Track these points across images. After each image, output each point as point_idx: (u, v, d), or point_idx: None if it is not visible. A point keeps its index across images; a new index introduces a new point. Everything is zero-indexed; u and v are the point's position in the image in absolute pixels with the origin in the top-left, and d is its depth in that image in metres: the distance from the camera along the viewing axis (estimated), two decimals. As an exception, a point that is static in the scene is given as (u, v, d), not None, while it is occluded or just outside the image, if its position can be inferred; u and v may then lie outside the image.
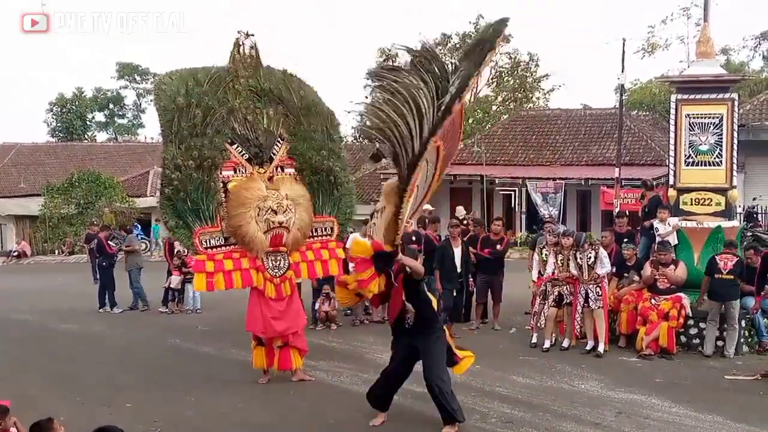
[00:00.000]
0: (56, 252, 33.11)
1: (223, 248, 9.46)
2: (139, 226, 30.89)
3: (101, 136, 59.02)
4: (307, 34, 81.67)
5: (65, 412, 8.18)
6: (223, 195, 9.57)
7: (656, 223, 12.29)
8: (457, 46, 39.16)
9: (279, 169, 10.07)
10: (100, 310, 16.25)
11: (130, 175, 37.52)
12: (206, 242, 9.37)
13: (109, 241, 17.10)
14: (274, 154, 10.04)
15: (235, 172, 9.77)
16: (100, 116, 60.86)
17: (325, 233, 10.29)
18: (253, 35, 10.16)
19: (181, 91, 9.47)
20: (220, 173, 9.61)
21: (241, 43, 10.12)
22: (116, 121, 61.43)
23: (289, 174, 10.09)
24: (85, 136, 55.55)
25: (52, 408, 8.61)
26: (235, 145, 9.81)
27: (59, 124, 55.45)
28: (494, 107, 39.89)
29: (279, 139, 10.12)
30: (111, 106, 60.51)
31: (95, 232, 23.43)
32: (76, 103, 56.19)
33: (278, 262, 9.67)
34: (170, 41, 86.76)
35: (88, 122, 58.00)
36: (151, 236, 31.72)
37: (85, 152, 43.06)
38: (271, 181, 9.82)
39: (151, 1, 52.63)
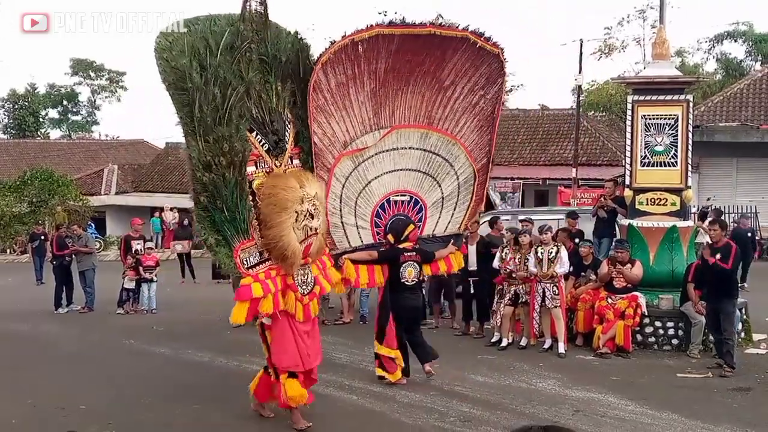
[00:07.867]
0: (8, 251, 32.43)
1: (262, 266, 7.58)
2: (93, 225, 30.38)
3: (54, 134, 58.02)
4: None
5: (16, 415, 8.01)
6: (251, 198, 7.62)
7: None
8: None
9: (289, 160, 8.20)
10: (57, 311, 15.85)
11: (84, 173, 36.98)
12: (246, 261, 7.43)
13: (67, 239, 16.55)
14: (286, 143, 8.10)
15: (256, 167, 7.74)
16: (53, 113, 59.82)
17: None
18: None
19: (194, 64, 7.22)
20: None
21: None
22: (70, 118, 60.38)
23: (298, 167, 8.24)
24: (38, 133, 54.54)
25: (3, 411, 8.43)
26: (254, 133, 7.73)
27: (11, 121, 54.41)
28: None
29: (288, 122, 8.16)
30: (65, 102, 59.50)
31: (40, 231, 23.51)
32: (29, 99, 55.15)
33: (306, 278, 7.86)
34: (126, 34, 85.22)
35: (41, 119, 56.95)
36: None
37: (38, 149, 42.29)
38: None
39: (151, 1, 51.27)
